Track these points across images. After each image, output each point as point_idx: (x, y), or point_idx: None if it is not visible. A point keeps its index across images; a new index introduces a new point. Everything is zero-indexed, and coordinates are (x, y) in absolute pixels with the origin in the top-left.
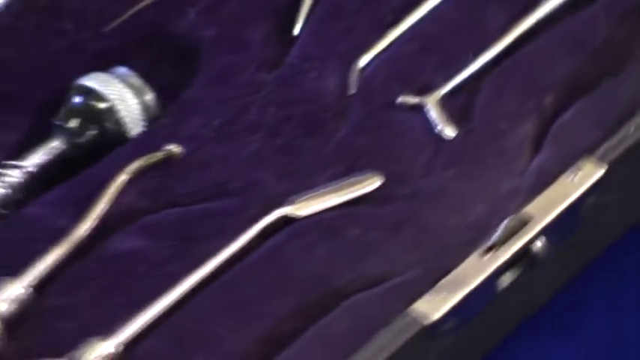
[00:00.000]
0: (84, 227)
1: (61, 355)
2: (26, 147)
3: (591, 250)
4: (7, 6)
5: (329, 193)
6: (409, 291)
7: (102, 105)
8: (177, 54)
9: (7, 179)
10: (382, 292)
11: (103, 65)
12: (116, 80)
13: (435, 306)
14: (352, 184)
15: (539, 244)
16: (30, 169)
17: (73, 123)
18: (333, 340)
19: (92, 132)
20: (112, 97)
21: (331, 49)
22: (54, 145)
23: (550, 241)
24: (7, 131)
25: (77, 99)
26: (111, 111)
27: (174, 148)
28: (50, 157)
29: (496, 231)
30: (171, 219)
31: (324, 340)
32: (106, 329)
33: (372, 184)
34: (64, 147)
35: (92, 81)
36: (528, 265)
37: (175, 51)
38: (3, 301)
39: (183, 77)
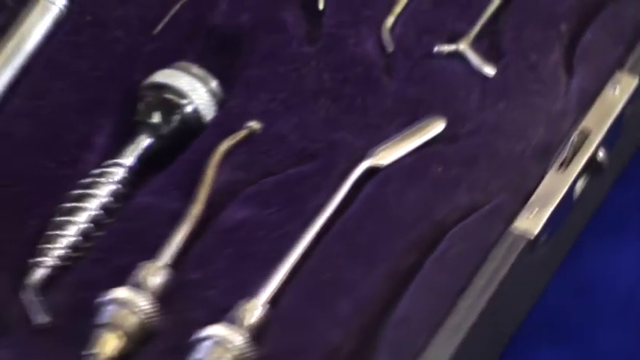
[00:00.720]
0: (197, 206)
1: (217, 321)
2: (115, 146)
3: (629, 154)
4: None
5: (402, 140)
6: (504, 213)
7: (178, 97)
8: (219, 43)
9: (113, 176)
10: (481, 217)
11: (159, 63)
12: (183, 73)
13: (532, 222)
14: (420, 130)
15: (600, 153)
16: (129, 164)
17: (156, 118)
18: (452, 264)
19: (174, 123)
20: (185, 88)
21: (358, 16)
22: (143, 140)
23: (606, 149)
24: (98, 134)
25: (154, 95)
26: (187, 101)
27: (254, 124)
28: (141, 151)
29: (564, 147)
30: (270, 186)
31: (444, 266)
32: (246, 293)
33: (437, 126)
34: (152, 140)
35: (162, 77)
36: (594, 173)
37: (217, 40)
38: (150, 281)
39: (228, 64)
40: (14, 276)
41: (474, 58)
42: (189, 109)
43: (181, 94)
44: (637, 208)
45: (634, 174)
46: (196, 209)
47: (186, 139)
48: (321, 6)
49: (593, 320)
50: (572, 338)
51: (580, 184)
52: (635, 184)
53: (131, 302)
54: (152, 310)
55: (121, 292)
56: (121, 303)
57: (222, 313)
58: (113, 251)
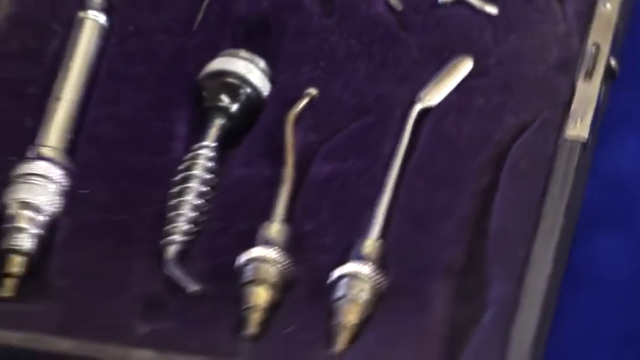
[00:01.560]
0: (289, 168)
1: (342, 262)
2: (193, 132)
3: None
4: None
5: (441, 81)
6: (552, 125)
7: (238, 80)
8: (248, 30)
9: (204, 156)
10: (534, 133)
11: (205, 56)
12: (235, 58)
13: (581, 128)
14: (452, 70)
15: (612, 61)
16: (213, 145)
17: (224, 101)
18: (524, 177)
19: (240, 102)
20: (242, 71)
21: None
22: (218, 122)
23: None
24: (177, 125)
25: (216, 82)
26: (247, 82)
27: (312, 90)
28: (219, 131)
29: (584, 60)
30: (342, 141)
31: (517, 179)
32: (357, 233)
33: (467, 64)
34: (224, 121)
35: (220, 65)
36: (609, 79)
37: (246, 28)
38: (277, 237)
39: (261, 46)
40: (152, 258)
41: (476, 2)
42: (249, 88)
43: (240, 77)
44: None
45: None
46: (289, 171)
47: (252, 115)
48: None
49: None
50: (622, 226)
51: (604, 90)
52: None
53: (269, 257)
54: (287, 261)
55: (258, 251)
56: (261, 260)
57: (343, 254)
58: (229, 219)
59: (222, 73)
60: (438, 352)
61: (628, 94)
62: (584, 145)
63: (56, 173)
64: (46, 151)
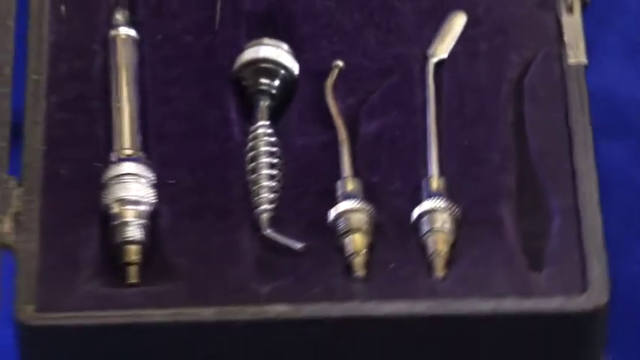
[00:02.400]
0: (342, 131)
1: (417, 204)
2: (244, 116)
3: None
4: (141, 47)
5: (445, 36)
6: (553, 56)
7: (272, 64)
8: (259, 22)
9: (263, 134)
10: (539, 66)
11: (231, 50)
12: (262, 46)
13: (579, 54)
14: (451, 25)
15: None
16: (266, 123)
17: (264, 85)
18: (544, 103)
19: (277, 83)
20: (272, 55)
21: None
22: (264, 104)
23: None
24: (230, 113)
25: (253, 70)
26: (279, 64)
27: (338, 62)
28: (267, 111)
29: None
30: (377, 101)
31: (539, 106)
32: (418, 177)
33: (462, 18)
34: (269, 102)
35: (251, 55)
36: (584, 9)
37: (257, 20)
38: (355, 190)
39: (275, 33)
40: (249, 227)
41: None
42: (282, 69)
43: (272, 60)
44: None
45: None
46: (342, 132)
47: (289, 92)
48: None
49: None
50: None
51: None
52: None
53: (356, 208)
54: (371, 209)
55: (345, 205)
56: (350, 211)
57: (413, 196)
58: (303, 184)
59: (255, 61)
60: (522, 264)
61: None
62: (586, 68)
63: (142, 169)
64: (126, 153)
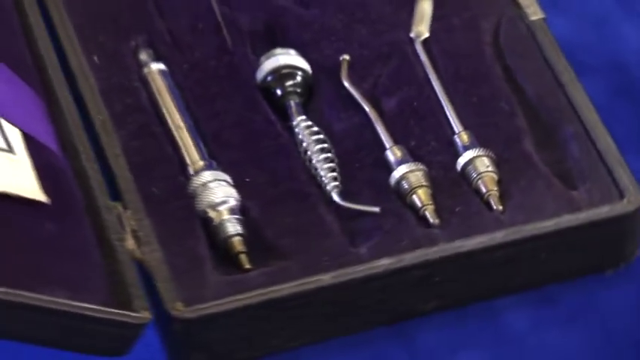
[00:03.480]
0: (372, 111)
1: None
2: (281, 115)
3: None
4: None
5: (420, 18)
6: (516, 17)
7: (291, 68)
8: (260, 33)
9: (306, 126)
10: (508, 26)
11: (249, 59)
12: (277, 56)
13: (535, 11)
14: (422, 8)
15: None
16: (303, 117)
17: (290, 86)
18: (526, 53)
19: (300, 82)
20: (288, 61)
21: None
22: (294, 103)
23: None
24: (269, 115)
25: (277, 76)
26: (296, 67)
27: (345, 56)
28: (300, 107)
29: None
30: (389, 78)
31: (521, 56)
32: (447, 134)
33: (429, 0)
34: (298, 99)
35: (270, 65)
36: None
37: (258, 31)
38: (402, 155)
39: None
40: (327, 203)
41: None
42: (299, 71)
43: (290, 65)
44: None
45: None
46: (373, 113)
47: (310, 88)
48: None
49: None
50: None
51: None
52: None
53: (414, 168)
54: (423, 167)
55: (403, 168)
56: (410, 172)
57: (449, 151)
58: (355, 159)
59: (277, 69)
60: (560, 187)
61: None
62: (545, 20)
63: (218, 174)
64: (200, 164)
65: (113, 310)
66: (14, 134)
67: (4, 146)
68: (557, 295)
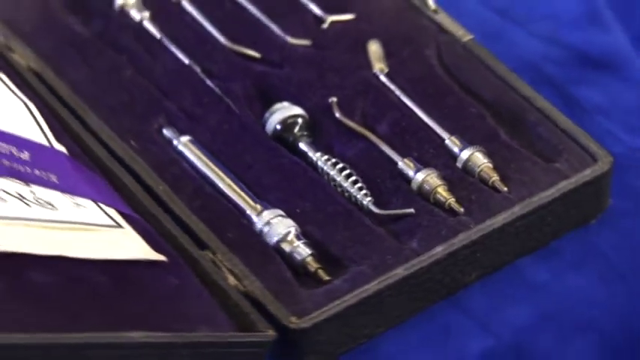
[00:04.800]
0: (371, 135)
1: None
2: (302, 156)
3: None
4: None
5: (376, 58)
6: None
7: (294, 117)
8: (253, 97)
9: (325, 159)
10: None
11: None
12: (280, 110)
13: (457, 28)
14: (374, 49)
15: None
16: (319, 153)
17: (298, 132)
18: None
19: (303, 124)
20: (291, 112)
21: None
22: (306, 142)
23: None
24: (293, 157)
25: (286, 126)
26: (297, 115)
27: (333, 98)
28: (311, 144)
29: None
30: (372, 112)
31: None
32: (437, 138)
33: (376, 43)
34: (309, 138)
35: (277, 119)
36: None
37: (252, 96)
38: (413, 165)
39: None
40: (370, 215)
41: None
42: (300, 117)
43: (293, 115)
44: None
45: None
46: (375, 138)
47: (312, 126)
48: None
49: None
50: None
51: None
52: None
53: (430, 173)
54: (435, 170)
55: (420, 175)
56: (427, 175)
57: (446, 154)
58: (374, 175)
59: (282, 120)
60: (543, 162)
61: None
62: (472, 40)
63: (276, 210)
64: (257, 208)
65: (250, 333)
66: (113, 212)
67: (113, 223)
68: (562, 247)
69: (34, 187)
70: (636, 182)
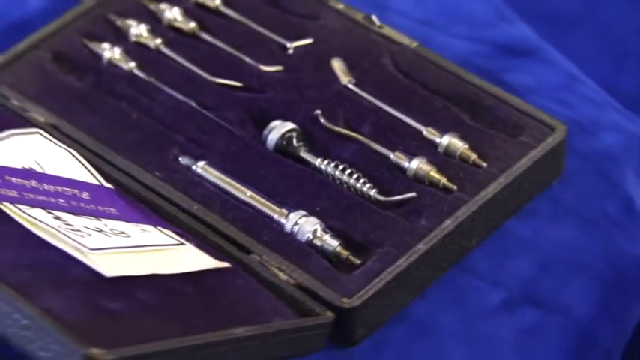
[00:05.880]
0: (360, 137)
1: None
2: (306, 164)
3: None
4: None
5: (341, 72)
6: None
7: (290, 132)
8: (249, 113)
9: (328, 164)
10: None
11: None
12: (277, 128)
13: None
14: (337, 65)
15: None
16: (319, 159)
17: (297, 144)
18: None
19: (298, 136)
20: (285, 128)
21: None
22: (304, 151)
23: None
24: (298, 165)
25: (286, 140)
26: (292, 129)
27: (318, 111)
28: (310, 153)
29: None
30: (351, 118)
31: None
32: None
33: (338, 59)
34: (305, 149)
35: (277, 135)
36: None
37: (247, 119)
38: (405, 158)
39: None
40: (375, 203)
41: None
42: (294, 131)
43: (289, 130)
44: None
45: None
46: (364, 139)
47: (307, 138)
48: None
49: None
50: None
51: None
52: None
53: (422, 160)
54: (424, 158)
55: (415, 162)
56: (421, 163)
57: (425, 144)
58: (371, 169)
59: (282, 136)
60: (508, 138)
61: None
62: (419, 46)
63: (300, 212)
64: (283, 212)
65: (315, 317)
66: (171, 233)
67: (177, 242)
68: (536, 207)
69: (105, 221)
70: (579, 146)
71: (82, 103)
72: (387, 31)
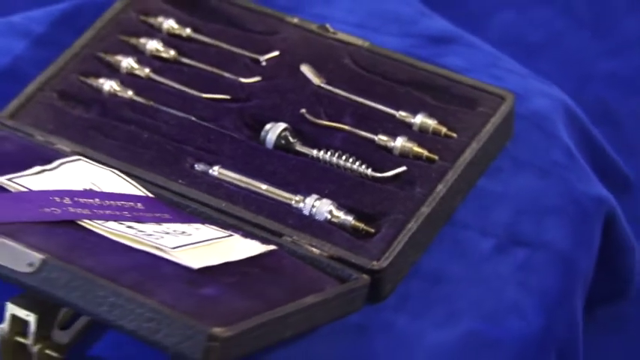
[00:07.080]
0: (345, 127)
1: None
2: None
3: None
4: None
5: (313, 75)
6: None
7: (284, 131)
8: (244, 120)
9: (326, 152)
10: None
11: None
12: (272, 129)
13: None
14: (307, 70)
15: None
16: (315, 150)
17: (292, 139)
18: None
19: (291, 133)
20: (279, 127)
21: None
22: (299, 145)
23: None
24: (299, 158)
25: (282, 138)
26: (285, 128)
27: (303, 110)
28: (306, 146)
29: None
30: (332, 113)
31: None
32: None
33: (307, 65)
34: (300, 143)
35: (275, 134)
36: None
37: (244, 125)
38: (397, 138)
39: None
40: (373, 180)
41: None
42: (287, 130)
43: (283, 129)
44: None
45: None
46: (350, 128)
47: (300, 133)
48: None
49: None
50: None
51: None
52: None
53: (405, 139)
54: (405, 136)
55: (400, 140)
56: (406, 141)
57: (400, 125)
58: (362, 152)
59: (279, 135)
60: (469, 111)
61: None
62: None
63: (313, 195)
64: (298, 197)
65: (356, 281)
66: (217, 227)
67: (227, 234)
68: (499, 165)
69: (165, 225)
70: (518, 110)
71: (95, 131)
72: (341, 35)
